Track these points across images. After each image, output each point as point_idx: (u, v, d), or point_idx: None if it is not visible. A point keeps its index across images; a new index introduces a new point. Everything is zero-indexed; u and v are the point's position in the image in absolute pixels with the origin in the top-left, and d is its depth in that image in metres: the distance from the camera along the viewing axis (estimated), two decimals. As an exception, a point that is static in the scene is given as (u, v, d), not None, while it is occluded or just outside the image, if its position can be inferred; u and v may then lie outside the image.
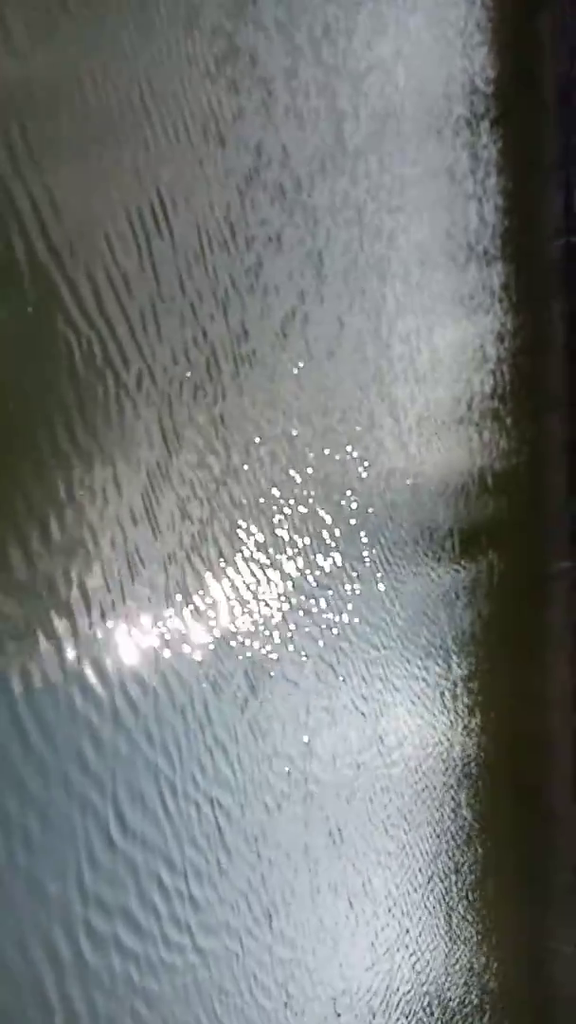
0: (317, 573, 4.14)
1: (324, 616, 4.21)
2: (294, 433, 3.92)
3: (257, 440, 3.63)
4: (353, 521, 4.59)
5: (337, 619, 4.36)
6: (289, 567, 3.88)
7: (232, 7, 3.40)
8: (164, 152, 3.04)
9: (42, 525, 2.57)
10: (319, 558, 4.17)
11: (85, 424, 2.72)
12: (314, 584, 4.11)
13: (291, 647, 3.88)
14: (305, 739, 4.09)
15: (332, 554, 4.31)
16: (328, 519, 4.26)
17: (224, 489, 3.39)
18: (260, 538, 3.64)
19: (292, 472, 3.90)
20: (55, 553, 2.61)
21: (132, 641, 2.94)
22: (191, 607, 3.23)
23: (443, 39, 6.62)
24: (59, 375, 2.67)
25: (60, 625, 2.62)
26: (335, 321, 4.41)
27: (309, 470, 4.08)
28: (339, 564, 4.38)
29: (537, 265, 9.36)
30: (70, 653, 2.66)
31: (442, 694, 6.33)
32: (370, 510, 4.81)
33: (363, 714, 4.78)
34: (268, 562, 3.70)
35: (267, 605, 3.69)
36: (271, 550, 3.73)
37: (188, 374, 3.20)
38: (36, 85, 2.59)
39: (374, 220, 4.95)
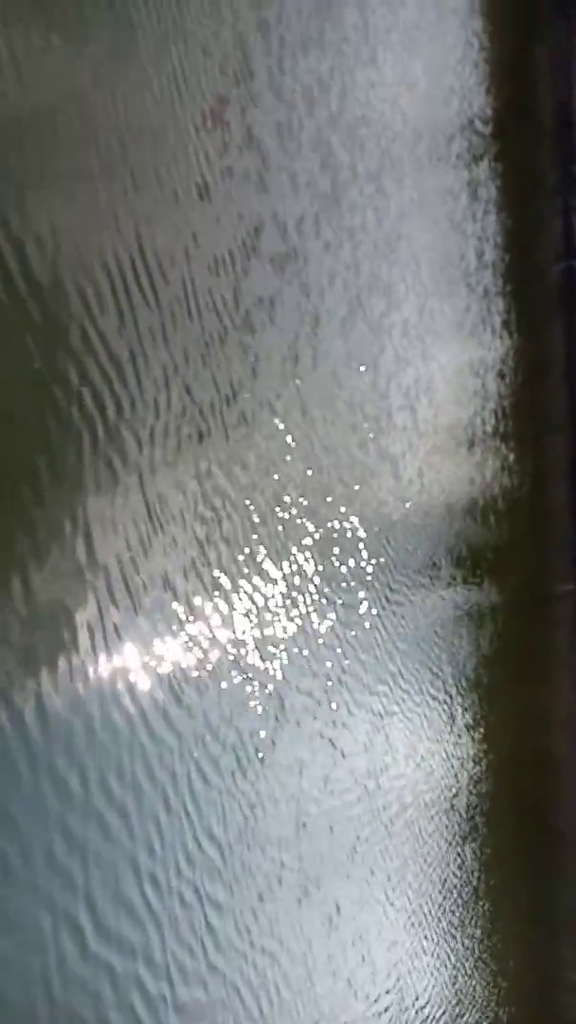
0: (312, 644, 3.94)
1: (323, 687, 4.00)
2: (287, 499, 3.75)
3: (248, 505, 3.46)
4: (352, 583, 4.40)
5: (336, 690, 4.14)
6: (281, 639, 3.68)
7: (223, 61, 3.33)
8: (148, 207, 2.92)
9: (2, 598, 2.38)
10: (314, 625, 3.97)
11: (55, 490, 2.55)
12: (309, 656, 3.90)
13: (286, 725, 3.65)
14: (301, 819, 3.85)
15: (329, 621, 4.11)
16: (326, 586, 4.07)
17: (212, 558, 3.21)
18: (251, 611, 3.44)
19: (286, 539, 3.72)
20: (20, 627, 2.42)
21: (107, 721, 2.73)
22: (172, 684, 3.03)
23: (440, 81, 6.62)
24: (28, 437, 2.51)
25: (25, 703, 2.41)
26: (331, 380, 4.28)
27: (305, 538, 3.90)
28: (337, 632, 4.18)
29: (537, 290, 9.49)
30: (37, 736, 2.44)
31: (447, 740, 6.12)
32: (369, 568, 4.62)
33: (365, 787, 4.53)
34: (259, 636, 3.50)
35: (259, 682, 3.48)
36: (261, 624, 3.53)
37: (172, 437, 3.04)
38: (13, 126, 2.48)
39: (372, 273, 4.84)
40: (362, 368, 4.69)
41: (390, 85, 5.19)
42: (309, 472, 3.99)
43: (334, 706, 4.13)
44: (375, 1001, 4.77)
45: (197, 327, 3.18)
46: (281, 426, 3.75)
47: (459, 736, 6.44)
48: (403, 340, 5.28)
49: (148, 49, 3.04)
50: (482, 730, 6.87)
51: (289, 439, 3.80)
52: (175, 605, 3.04)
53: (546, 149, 10.06)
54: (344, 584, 4.30)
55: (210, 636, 3.21)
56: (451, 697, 6.32)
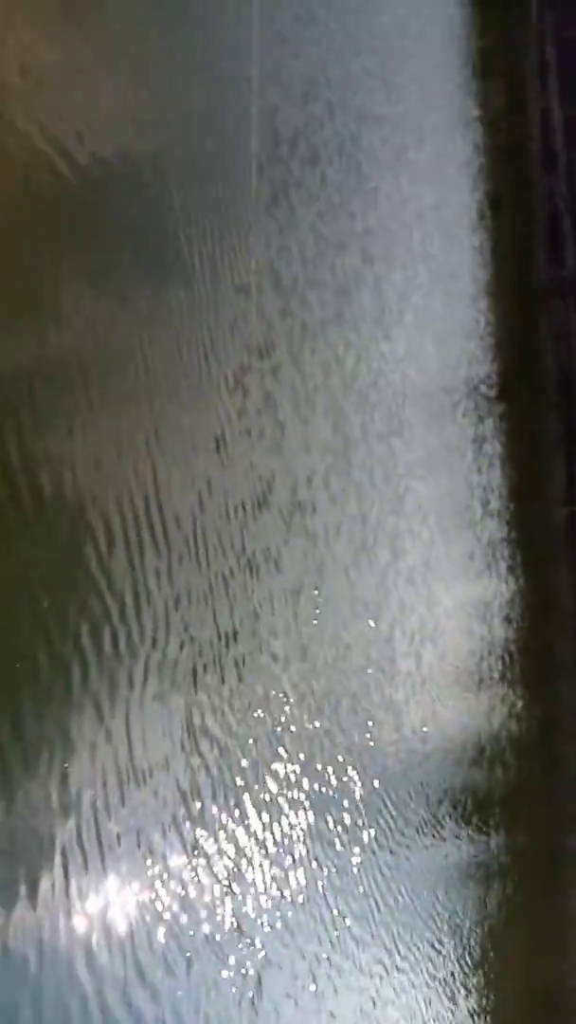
0: (299, 919, 3.55)
1: (308, 969, 3.54)
2: (281, 749, 3.58)
3: (239, 755, 3.28)
4: (347, 846, 4.05)
5: (324, 973, 3.67)
6: (263, 911, 3.31)
7: (248, 337, 3.66)
8: (166, 455, 3.07)
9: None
10: (303, 897, 3.60)
11: (37, 722, 2.42)
12: (295, 932, 3.50)
13: (262, 1015, 3.20)
14: None
15: (319, 892, 3.74)
16: (318, 850, 3.75)
17: (194, 813, 2.98)
18: (232, 877, 3.14)
19: (277, 794, 3.49)
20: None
21: (52, 998, 2.38)
22: (137, 958, 2.69)
23: (448, 351, 7.24)
24: (17, 666, 2.43)
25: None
26: (333, 625, 4.25)
27: (298, 794, 3.66)
28: (326, 906, 3.78)
29: (542, 535, 9.77)
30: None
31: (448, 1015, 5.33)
32: (365, 836, 4.28)
33: None
34: (239, 907, 3.16)
35: (235, 960, 3.09)
36: (242, 893, 3.21)
37: (165, 677, 2.96)
38: (51, 369, 2.66)
39: (378, 524, 5.00)
40: (366, 614, 4.68)
41: (401, 358, 5.69)
42: (306, 722, 3.83)
43: (321, 993, 3.63)
44: None
45: (202, 568, 3.21)
46: (280, 671, 3.66)
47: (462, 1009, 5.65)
48: (408, 587, 5.32)
49: (181, 318, 3.36)
50: (488, 1016, 6.04)
51: (287, 685, 3.69)
52: (148, 864, 2.78)
53: (549, 406, 10.90)
54: (338, 848, 3.96)
55: (184, 903, 2.90)
56: (453, 976, 5.62)
